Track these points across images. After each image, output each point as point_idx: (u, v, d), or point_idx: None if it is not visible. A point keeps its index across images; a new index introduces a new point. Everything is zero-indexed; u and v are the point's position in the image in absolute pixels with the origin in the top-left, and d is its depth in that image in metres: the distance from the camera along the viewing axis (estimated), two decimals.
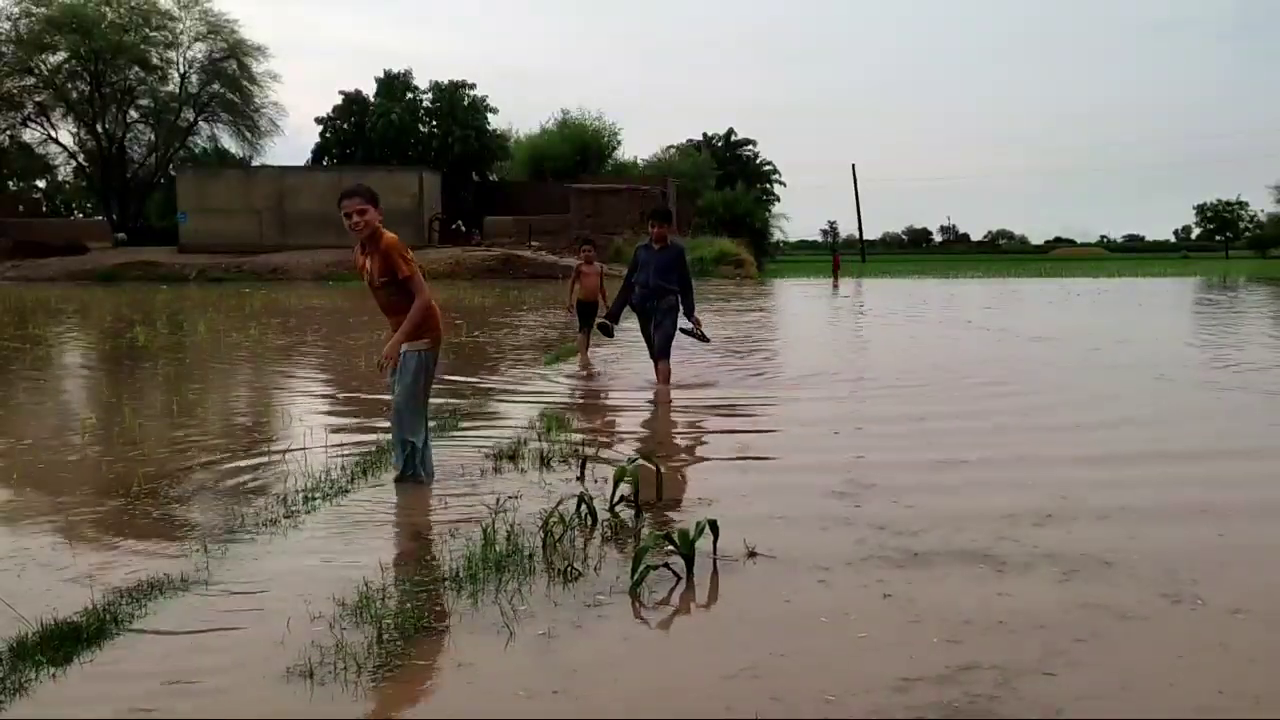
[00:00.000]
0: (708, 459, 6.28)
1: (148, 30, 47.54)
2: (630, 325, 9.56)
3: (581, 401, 8.52)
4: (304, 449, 6.09)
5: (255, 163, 49.23)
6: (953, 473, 5.64)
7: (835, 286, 33.73)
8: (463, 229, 42.20)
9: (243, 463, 5.94)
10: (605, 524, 4.46)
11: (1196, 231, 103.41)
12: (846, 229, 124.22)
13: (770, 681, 2.92)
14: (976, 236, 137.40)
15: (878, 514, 4.69)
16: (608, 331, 9.01)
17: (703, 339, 8.93)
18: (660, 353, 8.67)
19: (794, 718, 2.71)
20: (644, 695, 2.90)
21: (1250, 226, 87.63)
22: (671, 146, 62.15)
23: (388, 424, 7.16)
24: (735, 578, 3.83)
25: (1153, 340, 14.28)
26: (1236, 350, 12.32)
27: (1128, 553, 4.09)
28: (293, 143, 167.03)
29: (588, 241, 11.64)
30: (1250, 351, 12.14)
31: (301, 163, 49.48)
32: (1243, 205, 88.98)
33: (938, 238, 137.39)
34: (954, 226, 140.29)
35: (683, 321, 8.66)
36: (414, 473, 5.26)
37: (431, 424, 5.42)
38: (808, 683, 2.91)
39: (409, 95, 49.92)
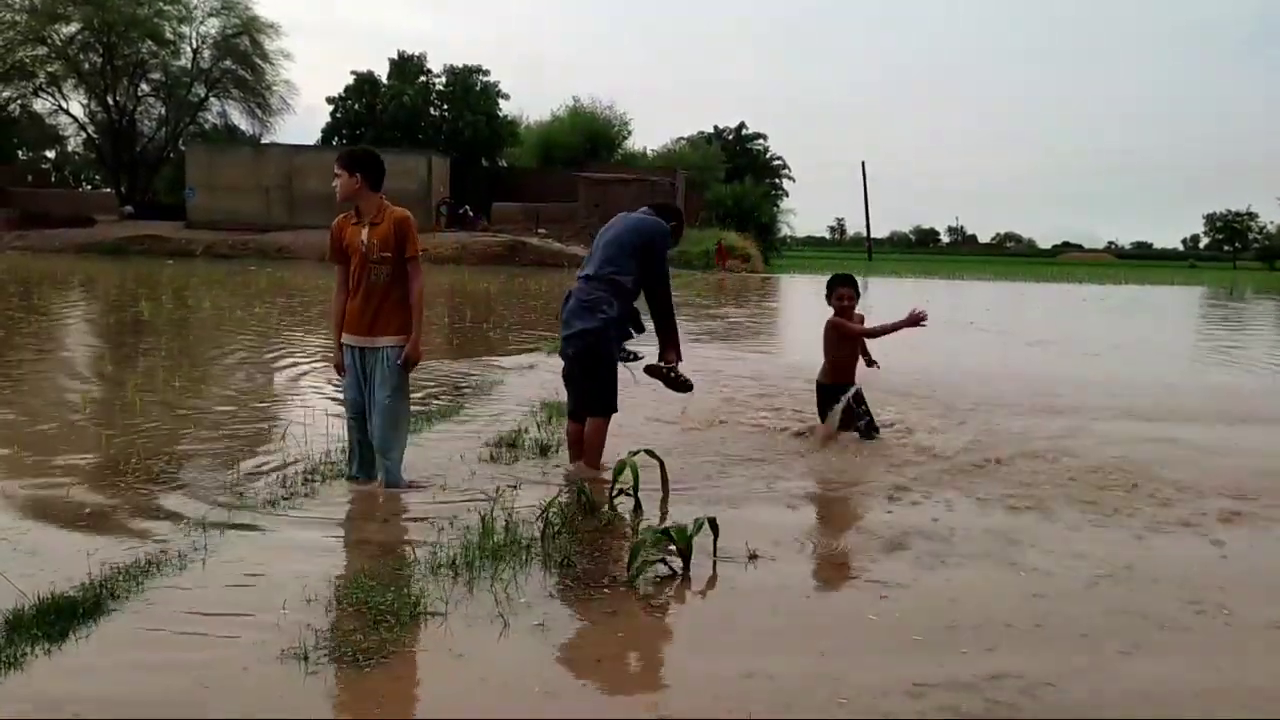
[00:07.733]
0: (715, 455, 6.08)
1: (161, 4, 47.42)
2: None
3: None
4: (305, 430, 6.08)
5: (265, 140, 49.16)
6: (979, 472, 5.62)
7: (723, 274, 35.06)
8: (470, 214, 42.13)
9: (244, 442, 5.94)
10: (603, 516, 4.45)
11: (1205, 241, 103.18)
12: (854, 226, 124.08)
13: (782, 682, 2.91)
14: (984, 238, 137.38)
15: (901, 516, 4.67)
16: (630, 357, 5.41)
17: (684, 388, 5.48)
18: (594, 402, 5.18)
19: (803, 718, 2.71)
20: (643, 693, 2.89)
21: (1259, 238, 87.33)
22: (682, 138, 61.98)
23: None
24: (736, 577, 3.80)
25: (1155, 345, 14.26)
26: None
27: (1146, 557, 4.10)
28: (303, 121, 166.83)
29: None
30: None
31: (311, 142, 49.40)
32: (1252, 216, 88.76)
33: (945, 238, 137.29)
34: (962, 227, 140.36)
35: (633, 358, 5.37)
36: (370, 475, 4.89)
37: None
38: (822, 685, 2.90)
39: (422, 78, 49.82)
